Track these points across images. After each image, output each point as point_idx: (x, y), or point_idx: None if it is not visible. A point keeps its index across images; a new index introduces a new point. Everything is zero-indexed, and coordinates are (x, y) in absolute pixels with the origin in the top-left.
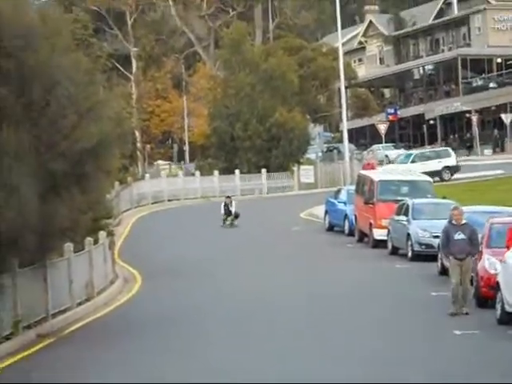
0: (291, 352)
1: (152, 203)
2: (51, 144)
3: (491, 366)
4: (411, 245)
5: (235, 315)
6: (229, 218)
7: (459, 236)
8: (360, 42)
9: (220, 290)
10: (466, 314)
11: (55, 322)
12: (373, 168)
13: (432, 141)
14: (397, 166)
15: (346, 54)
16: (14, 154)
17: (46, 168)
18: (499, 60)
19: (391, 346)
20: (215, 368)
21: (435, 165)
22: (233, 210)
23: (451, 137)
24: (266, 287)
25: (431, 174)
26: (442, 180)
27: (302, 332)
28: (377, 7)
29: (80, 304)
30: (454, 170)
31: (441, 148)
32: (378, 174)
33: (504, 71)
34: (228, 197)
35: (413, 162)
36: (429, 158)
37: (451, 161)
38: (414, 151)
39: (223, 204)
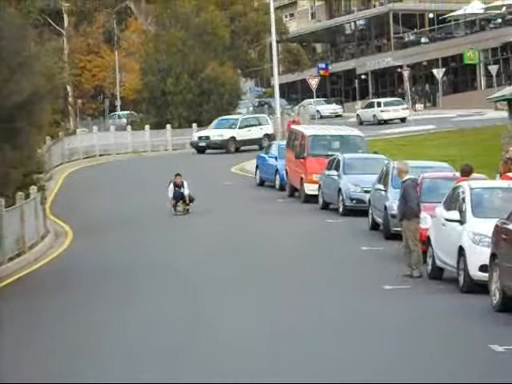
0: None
1: (83, 158)
2: None
3: (418, 318)
4: (342, 200)
5: (165, 268)
6: (180, 204)
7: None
8: None
9: (151, 245)
10: (418, 277)
11: None
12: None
13: (363, 96)
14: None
15: (277, 8)
16: None
17: None
18: (431, 15)
19: (316, 301)
20: (146, 316)
21: (258, 132)
22: (185, 192)
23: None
24: (194, 239)
25: (254, 141)
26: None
27: (229, 284)
28: None
29: (11, 259)
30: (272, 138)
31: (260, 114)
32: (309, 129)
33: (436, 26)
34: (178, 175)
35: (240, 127)
36: (252, 125)
37: (269, 128)
38: (240, 117)
39: (171, 184)
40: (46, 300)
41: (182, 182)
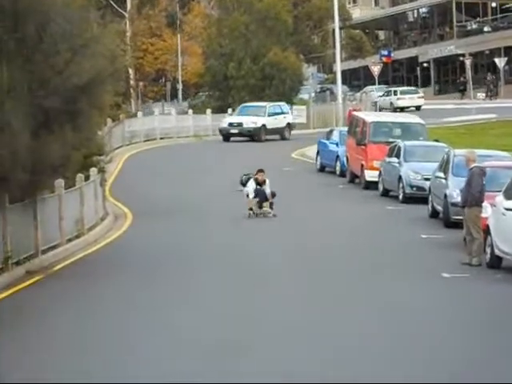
0: (285, 297)
1: (144, 141)
2: (44, 80)
3: (476, 307)
4: (402, 187)
5: (224, 254)
6: (264, 205)
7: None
8: None
9: (210, 231)
10: (477, 265)
11: (45, 259)
12: None
13: (425, 84)
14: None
15: None
16: (6, 90)
17: (38, 105)
18: (494, 4)
19: (377, 288)
20: (198, 300)
21: (282, 121)
22: (267, 190)
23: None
24: (253, 224)
25: (279, 130)
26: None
27: (291, 273)
28: None
29: (70, 240)
30: (292, 127)
31: (281, 102)
32: (370, 116)
33: (498, 15)
34: (261, 171)
35: (269, 115)
36: (277, 113)
37: (291, 118)
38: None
39: (251, 181)
40: (103, 282)
41: (265, 180)
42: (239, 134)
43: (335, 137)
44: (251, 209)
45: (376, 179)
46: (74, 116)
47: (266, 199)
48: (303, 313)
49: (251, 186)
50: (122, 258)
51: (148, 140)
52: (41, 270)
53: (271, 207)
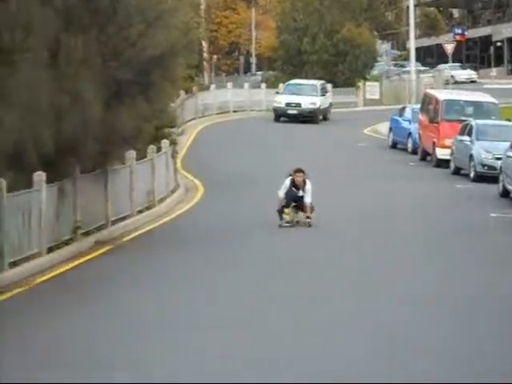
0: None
1: (217, 114)
2: (117, 52)
3: None
4: (474, 165)
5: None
6: (291, 210)
7: None
8: None
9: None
10: None
11: (114, 229)
12: None
13: (498, 63)
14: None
15: None
16: (80, 61)
17: (111, 76)
18: None
19: (448, 266)
20: (264, 279)
21: (326, 100)
22: (307, 198)
23: None
24: (326, 199)
25: (323, 111)
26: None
27: (355, 248)
28: None
29: (140, 212)
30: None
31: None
32: (443, 94)
33: None
34: (300, 171)
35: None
36: (324, 93)
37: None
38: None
39: (288, 180)
40: (170, 255)
41: (305, 182)
42: (298, 116)
43: (408, 114)
44: (282, 211)
45: (447, 157)
46: (146, 88)
47: (299, 205)
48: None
49: (286, 184)
50: (191, 231)
51: (221, 113)
52: (110, 241)
53: (308, 218)
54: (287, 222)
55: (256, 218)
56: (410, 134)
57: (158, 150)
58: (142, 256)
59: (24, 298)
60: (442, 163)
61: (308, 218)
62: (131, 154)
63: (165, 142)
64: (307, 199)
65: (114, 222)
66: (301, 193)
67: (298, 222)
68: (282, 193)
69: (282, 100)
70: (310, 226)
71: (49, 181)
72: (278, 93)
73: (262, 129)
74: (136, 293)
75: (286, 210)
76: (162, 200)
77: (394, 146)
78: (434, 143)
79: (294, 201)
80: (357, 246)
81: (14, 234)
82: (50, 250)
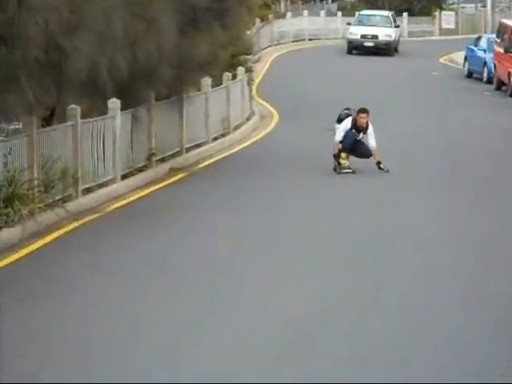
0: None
1: (292, 41)
2: None
3: None
4: None
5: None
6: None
7: None
8: None
9: None
10: None
11: (189, 156)
12: None
13: None
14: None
15: None
16: None
17: (186, 2)
18: None
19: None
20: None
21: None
22: (371, 142)
23: None
24: (402, 132)
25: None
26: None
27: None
28: None
29: (215, 139)
30: None
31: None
32: None
33: None
34: (363, 111)
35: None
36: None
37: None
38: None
39: (347, 121)
40: (245, 181)
41: (367, 125)
42: (373, 48)
43: (483, 43)
44: (338, 156)
45: None
46: (221, 14)
47: (361, 153)
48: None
49: (344, 125)
50: (265, 159)
51: (296, 41)
52: (185, 168)
53: (379, 166)
54: (344, 168)
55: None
56: (485, 63)
57: (234, 77)
58: (216, 183)
59: (97, 223)
60: None
61: (379, 163)
62: (206, 80)
63: (240, 70)
64: (372, 143)
65: (189, 149)
66: (361, 135)
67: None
68: (339, 136)
69: (357, 31)
70: (387, 171)
71: (123, 108)
72: (350, 24)
73: (339, 57)
74: (209, 218)
75: (342, 155)
76: (236, 127)
77: (469, 75)
78: (509, 73)
79: (352, 145)
80: (434, 180)
81: (89, 161)
82: (125, 176)
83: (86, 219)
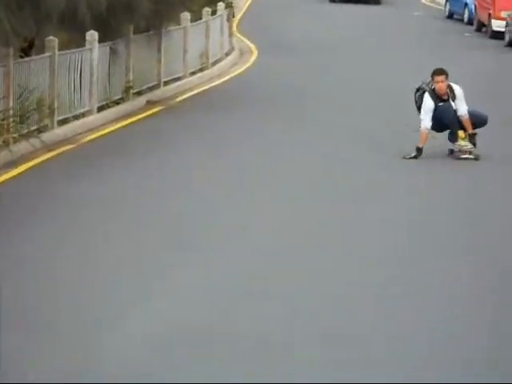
0: None
1: None
2: None
3: None
4: None
5: (340, 97)
6: (462, 137)
7: None
8: None
9: (336, 76)
10: None
11: (167, 90)
12: None
13: None
14: None
15: None
16: None
17: None
18: None
19: None
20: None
21: None
22: (462, 108)
23: None
24: (380, 73)
25: None
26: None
27: None
28: None
29: (193, 74)
30: None
31: None
32: None
33: None
34: (439, 73)
35: None
36: None
37: None
38: None
39: (426, 97)
40: (221, 115)
41: (451, 88)
42: None
43: None
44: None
45: (502, 29)
46: None
47: (459, 126)
48: None
49: (426, 106)
50: (242, 93)
51: None
52: (161, 101)
53: (472, 141)
54: (464, 152)
55: (310, 82)
56: (466, 4)
57: (214, 12)
58: (193, 116)
59: (71, 154)
60: (497, 35)
61: (473, 135)
62: (186, 15)
63: (220, 5)
64: (462, 109)
65: (167, 83)
66: (451, 103)
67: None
68: (427, 121)
69: None
70: (476, 158)
71: (101, 41)
72: None
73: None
74: (185, 150)
75: (461, 134)
76: (215, 63)
77: (450, 16)
78: (489, 15)
79: (451, 123)
80: None
81: (65, 92)
82: (101, 108)
83: (61, 150)
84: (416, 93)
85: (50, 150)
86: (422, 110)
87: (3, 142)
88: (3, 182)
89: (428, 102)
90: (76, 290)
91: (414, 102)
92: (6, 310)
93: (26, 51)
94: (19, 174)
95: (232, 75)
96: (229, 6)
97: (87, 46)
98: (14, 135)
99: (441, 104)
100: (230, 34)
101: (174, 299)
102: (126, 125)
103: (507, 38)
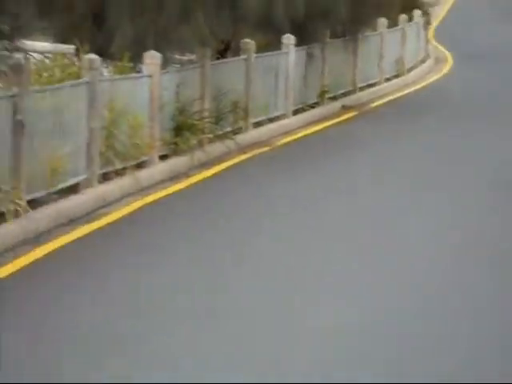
0: None
1: None
2: None
3: None
4: None
5: None
6: None
7: None
8: None
9: None
10: None
11: (361, 96)
12: None
13: None
14: None
15: None
16: None
17: None
18: None
19: None
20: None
21: None
22: None
23: None
24: None
25: None
26: None
27: None
28: None
29: (388, 80)
30: None
31: None
32: None
33: None
34: None
35: None
36: None
37: None
38: None
39: None
40: (415, 120)
41: None
42: None
43: None
44: None
45: None
46: None
47: None
48: None
49: None
50: (436, 102)
51: None
52: (356, 107)
53: None
54: None
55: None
56: None
57: (410, 19)
58: (387, 121)
59: (266, 156)
60: None
61: None
62: (382, 21)
63: (417, 12)
64: None
65: (362, 89)
66: None
67: None
68: None
69: None
70: None
71: (298, 44)
72: None
73: None
74: (373, 153)
75: None
76: (410, 69)
77: None
78: None
79: None
80: None
81: (260, 95)
82: (296, 112)
83: (255, 152)
84: None
85: (244, 152)
86: None
87: (198, 142)
88: (197, 182)
89: None
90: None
91: None
92: None
93: (222, 53)
94: (213, 174)
95: (425, 83)
96: (425, 13)
97: (283, 49)
98: (209, 136)
99: None
100: (426, 42)
101: None
102: (321, 129)
103: None
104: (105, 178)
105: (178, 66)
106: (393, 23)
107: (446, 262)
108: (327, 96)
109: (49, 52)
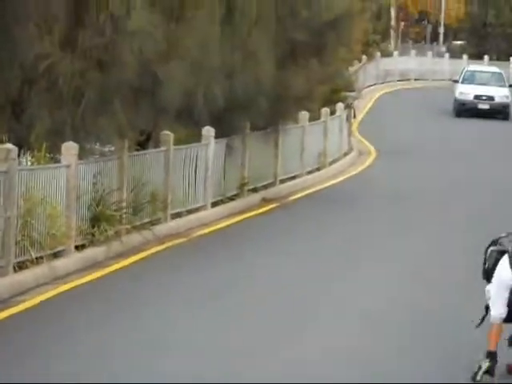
0: None
1: (398, 80)
2: (293, 13)
3: None
4: None
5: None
6: None
7: None
8: None
9: (455, 179)
10: None
11: (283, 188)
12: None
13: None
14: None
15: None
16: (254, 19)
17: (285, 36)
18: None
19: None
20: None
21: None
22: None
23: None
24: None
25: None
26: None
27: None
28: None
29: (310, 172)
30: None
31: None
32: None
33: None
34: None
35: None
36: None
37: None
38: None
39: (504, 263)
40: (336, 216)
41: None
42: (489, 112)
43: None
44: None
45: None
46: (320, 50)
47: None
48: None
49: (502, 278)
50: (356, 196)
51: (402, 80)
52: (276, 199)
53: None
54: None
55: (422, 189)
56: None
57: (333, 112)
58: (308, 215)
59: (182, 247)
60: None
61: None
62: (304, 114)
63: (339, 105)
64: None
65: (283, 181)
66: None
67: None
68: (501, 305)
69: (469, 91)
70: None
71: (218, 136)
72: (456, 81)
73: (445, 100)
74: (298, 247)
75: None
76: (333, 162)
77: None
78: None
79: None
80: None
81: (179, 187)
82: (215, 204)
83: (172, 243)
84: (488, 248)
85: (161, 243)
86: (494, 283)
87: (115, 232)
88: (114, 271)
89: (506, 272)
90: None
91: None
92: None
93: (142, 144)
94: (130, 263)
95: (347, 176)
96: (348, 106)
97: (203, 141)
98: (127, 226)
99: None
100: (349, 135)
101: None
102: (240, 220)
103: None
104: (20, 266)
105: (97, 156)
106: (316, 116)
107: None
108: (247, 188)
109: None
